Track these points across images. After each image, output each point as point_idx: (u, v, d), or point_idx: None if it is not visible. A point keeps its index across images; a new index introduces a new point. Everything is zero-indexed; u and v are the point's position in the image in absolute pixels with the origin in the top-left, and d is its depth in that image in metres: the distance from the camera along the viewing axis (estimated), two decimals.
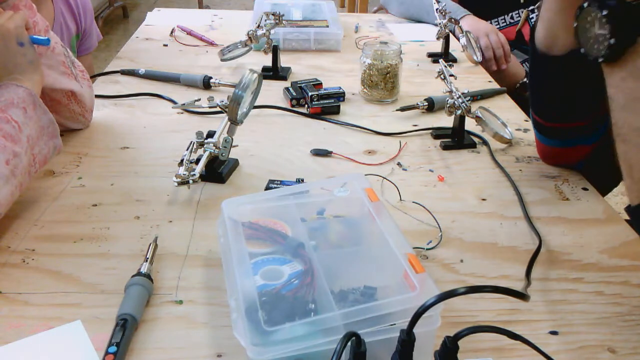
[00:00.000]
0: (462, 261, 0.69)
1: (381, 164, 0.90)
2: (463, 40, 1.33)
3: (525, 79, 1.43)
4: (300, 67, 1.29)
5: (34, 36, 0.80)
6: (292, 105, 1.09)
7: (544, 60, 0.77)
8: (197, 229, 0.73)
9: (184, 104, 0.92)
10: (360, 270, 0.61)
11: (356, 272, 0.60)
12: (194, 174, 0.77)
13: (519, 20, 1.50)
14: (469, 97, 0.95)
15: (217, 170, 0.84)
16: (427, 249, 0.71)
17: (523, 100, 1.39)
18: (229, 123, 0.83)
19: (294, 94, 1.10)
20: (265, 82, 0.94)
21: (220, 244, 0.64)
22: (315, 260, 0.58)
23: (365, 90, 1.14)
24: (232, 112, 0.81)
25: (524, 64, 1.52)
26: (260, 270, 0.58)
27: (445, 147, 0.95)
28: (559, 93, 0.81)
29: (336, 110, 1.07)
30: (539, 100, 0.84)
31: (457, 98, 0.93)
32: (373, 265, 0.61)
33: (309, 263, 0.59)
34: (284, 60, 1.27)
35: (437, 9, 1.35)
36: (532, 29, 0.79)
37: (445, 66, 0.97)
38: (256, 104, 0.89)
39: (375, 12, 1.85)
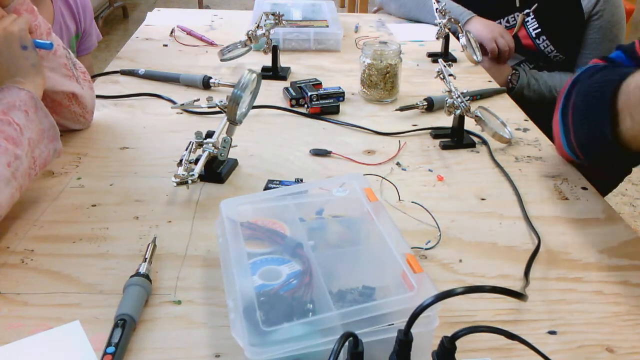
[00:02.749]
0: (461, 261, 0.69)
1: (380, 163, 0.90)
2: (463, 40, 1.33)
3: (510, 77, 1.44)
4: (300, 67, 1.29)
5: (37, 40, 0.81)
6: (292, 105, 1.09)
7: (625, 154, 0.70)
8: (196, 229, 0.73)
9: (183, 104, 0.92)
10: (359, 270, 0.61)
11: (354, 272, 0.60)
12: (193, 174, 0.77)
13: (514, 24, 1.51)
14: (468, 97, 0.95)
15: (216, 170, 0.84)
16: (426, 249, 0.71)
17: (522, 100, 1.40)
18: (228, 123, 0.83)
19: (294, 93, 1.10)
20: (264, 82, 0.94)
21: (219, 244, 0.64)
22: (313, 260, 0.58)
23: (364, 90, 1.13)
24: (231, 112, 0.81)
25: (520, 65, 1.52)
26: (259, 270, 0.58)
27: (445, 147, 0.95)
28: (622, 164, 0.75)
29: (335, 110, 1.07)
30: (590, 157, 0.78)
31: (456, 98, 0.93)
32: (371, 265, 0.61)
33: (307, 263, 0.59)
34: (284, 60, 1.27)
35: (437, 9, 1.35)
36: (614, 134, 0.69)
37: (444, 66, 0.97)
38: (255, 103, 0.89)
39: (375, 12, 1.85)
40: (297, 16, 1.53)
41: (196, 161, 0.80)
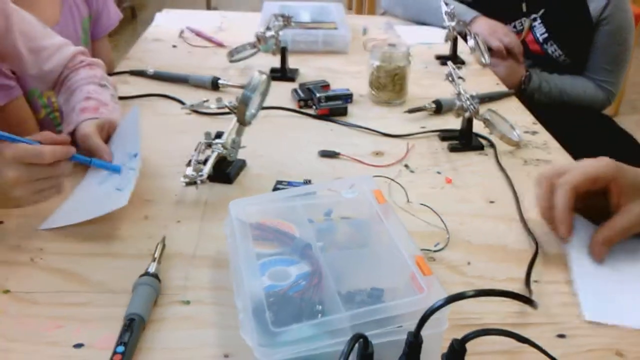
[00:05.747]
0: (469, 263, 0.69)
1: (389, 165, 0.90)
2: (471, 42, 1.33)
3: (523, 77, 1.44)
4: (308, 68, 1.29)
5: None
6: (300, 107, 1.09)
7: None
8: (205, 229, 0.74)
9: (192, 105, 0.92)
10: (368, 271, 0.61)
11: (363, 273, 0.60)
12: (202, 175, 0.78)
13: (522, 29, 1.50)
14: (477, 99, 0.94)
15: (225, 170, 0.84)
16: (435, 251, 0.71)
17: (532, 102, 1.39)
18: (237, 124, 0.84)
19: (302, 95, 1.10)
20: (273, 83, 0.94)
21: (228, 244, 0.64)
22: (322, 261, 0.58)
23: (373, 92, 1.13)
24: (241, 113, 0.81)
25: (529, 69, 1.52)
26: (268, 271, 0.59)
27: (453, 149, 0.95)
28: None
29: (344, 112, 1.07)
30: None
31: (466, 100, 0.93)
32: (380, 267, 0.61)
33: (316, 264, 0.59)
34: (292, 62, 1.27)
35: (445, 12, 1.35)
36: None
37: (453, 68, 0.97)
38: (264, 105, 0.89)
39: (382, 14, 1.85)
40: (305, 18, 1.53)
41: (205, 161, 0.81)
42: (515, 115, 1.07)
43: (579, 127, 1.45)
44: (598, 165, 0.68)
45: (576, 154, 0.96)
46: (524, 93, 1.43)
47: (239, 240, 0.61)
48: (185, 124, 1.02)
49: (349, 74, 1.27)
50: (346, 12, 1.64)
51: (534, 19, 1.49)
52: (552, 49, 1.49)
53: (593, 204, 0.69)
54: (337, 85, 1.16)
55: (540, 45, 1.50)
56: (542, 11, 1.47)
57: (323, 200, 0.70)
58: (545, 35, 1.48)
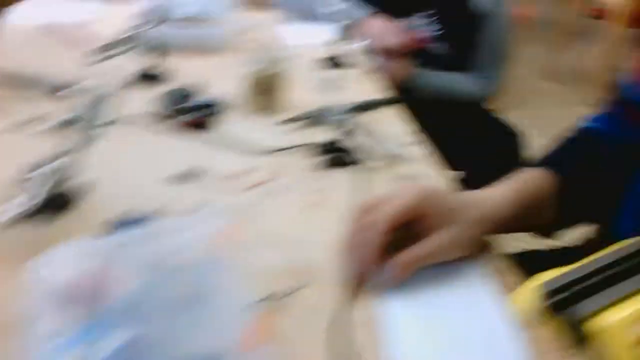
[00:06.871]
0: None
1: (255, 185, 0.81)
2: (357, 44, 1.28)
3: (407, 77, 1.44)
4: (180, 71, 1.17)
5: None
6: (162, 118, 0.97)
7: None
8: None
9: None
10: (204, 332, 0.52)
11: (200, 334, 0.51)
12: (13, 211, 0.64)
13: (413, 25, 1.50)
14: (354, 109, 0.88)
15: (48, 205, 0.70)
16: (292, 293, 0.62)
17: (415, 102, 1.37)
18: (71, 143, 0.70)
19: (166, 103, 0.98)
20: (134, 89, 0.81)
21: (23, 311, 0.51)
22: (148, 323, 0.49)
23: (246, 99, 1.04)
24: (81, 128, 0.69)
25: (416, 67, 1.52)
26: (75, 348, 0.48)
27: (327, 165, 0.87)
28: None
29: (210, 124, 0.96)
30: None
31: (343, 111, 0.87)
32: (216, 325, 0.52)
33: (140, 328, 0.49)
34: (164, 63, 1.14)
35: (330, 11, 1.29)
36: None
37: (332, 75, 0.90)
38: (112, 116, 0.76)
39: (262, 9, 1.76)
40: (180, 15, 1.40)
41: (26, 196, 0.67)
42: (395, 127, 1.01)
43: (457, 123, 1.48)
44: (406, 198, 0.62)
45: (454, 154, 0.93)
46: (406, 91, 1.41)
47: (36, 308, 0.49)
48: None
49: (223, 79, 1.15)
50: (230, 7, 1.51)
51: (423, 17, 1.48)
52: (438, 46, 1.49)
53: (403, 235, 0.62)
54: (209, 91, 1.04)
55: (428, 43, 1.50)
56: (430, 9, 1.48)
57: (159, 247, 0.59)
58: (434, 32, 1.48)
